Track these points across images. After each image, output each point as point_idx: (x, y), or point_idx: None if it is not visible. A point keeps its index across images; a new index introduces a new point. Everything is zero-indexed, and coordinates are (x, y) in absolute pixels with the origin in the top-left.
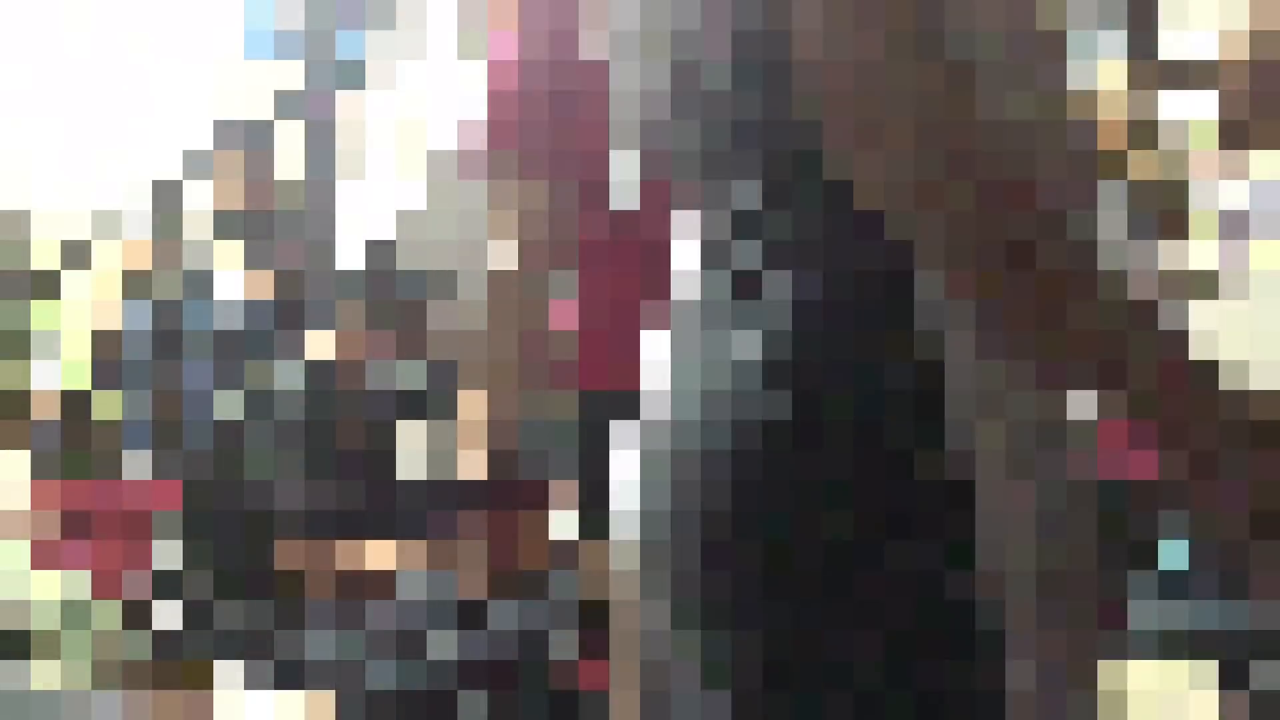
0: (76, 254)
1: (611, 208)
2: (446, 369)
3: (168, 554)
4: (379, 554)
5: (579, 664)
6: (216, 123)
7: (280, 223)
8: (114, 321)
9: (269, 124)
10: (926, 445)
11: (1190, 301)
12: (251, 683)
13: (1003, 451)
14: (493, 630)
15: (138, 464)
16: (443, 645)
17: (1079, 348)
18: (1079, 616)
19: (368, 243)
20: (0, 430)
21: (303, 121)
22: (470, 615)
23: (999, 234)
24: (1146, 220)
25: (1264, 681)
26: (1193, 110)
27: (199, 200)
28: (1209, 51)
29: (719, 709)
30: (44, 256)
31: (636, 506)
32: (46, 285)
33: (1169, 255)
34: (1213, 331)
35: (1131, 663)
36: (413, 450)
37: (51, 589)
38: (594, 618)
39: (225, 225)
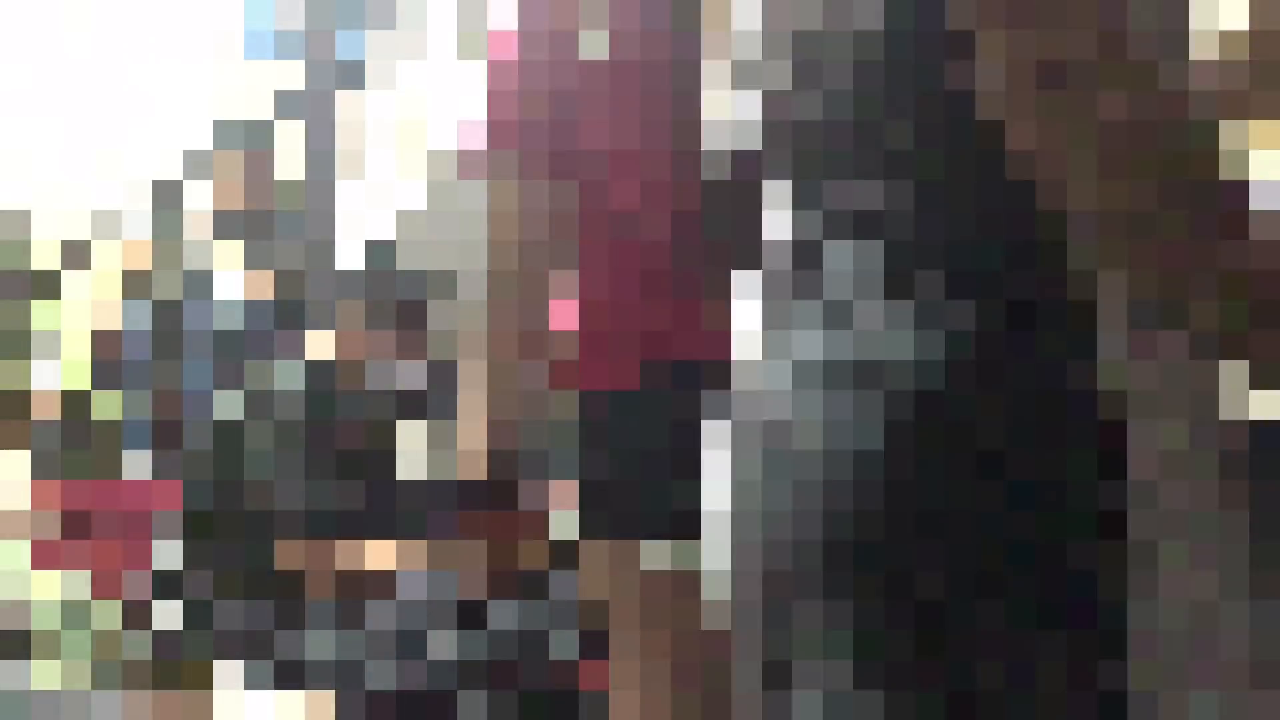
0: (76, 254)
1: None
2: (446, 369)
3: (168, 554)
4: (379, 554)
5: (579, 664)
6: (216, 123)
7: (280, 223)
8: (114, 321)
9: (269, 124)
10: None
11: None
12: (251, 683)
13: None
14: (493, 630)
15: (138, 464)
16: (443, 645)
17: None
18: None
19: (368, 243)
20: (0, 430)
21: (303, 121)
22: (470, 615)
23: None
24: None
25: None
26: None
27: (199, 200)
28: None
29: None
30: (44, 256)
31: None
32: (46, 285)
33: None
34: None
35: None
36: (413, 450)
37: (51, 589)
38: (594, 618)
39: (225, 225)
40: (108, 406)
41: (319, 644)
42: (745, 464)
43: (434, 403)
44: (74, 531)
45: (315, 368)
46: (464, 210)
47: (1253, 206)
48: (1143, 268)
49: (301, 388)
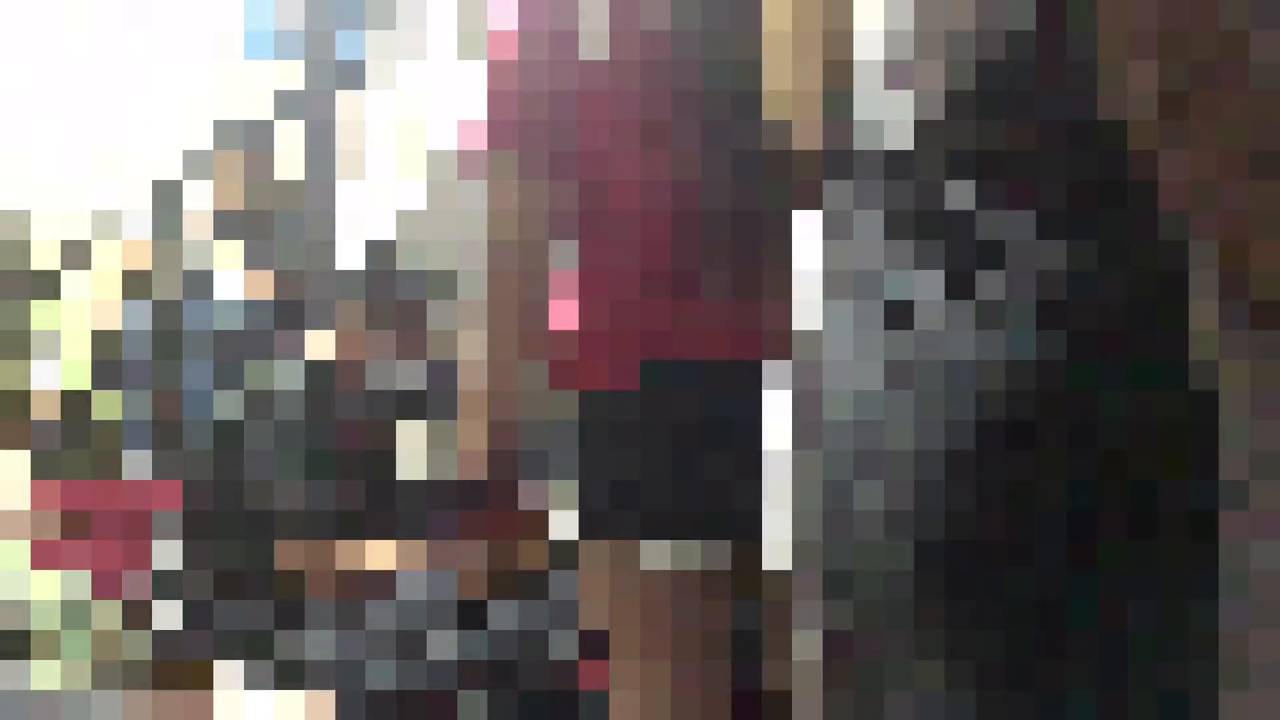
0: (76, 254)
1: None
2: (446, 369)
3: (168, 554)
4: (379, 554)
5: (579, 664)
6: (216, 123)
7: (280, 223)
8: (114, 321)
9: (269, 124)
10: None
11: None
12: (251, 683)
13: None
14: (493, 630)
15: (138, 464)
16: (443, 645)
17: None
18: None
19: (368, 243)
20: (0, 430)
21: (303, 121)
22: (470, 615)
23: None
24: None
25: None
26: None
27: (199, 200)
28: None
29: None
30: (44, 256)
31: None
32: (46, 285)
33: None
34: None
35: None
36: (413, 450)
37: (51, 589)
38: (594, 618)
39: (225, 225)
40: (108, 406)
41: (319, 644)
42: (807, 464)
43: (434, 403)
44: (74, 531)
45: (315, 368)
46: (464, 210)
47: None
48: (1233, 263)
49: (301, 388)
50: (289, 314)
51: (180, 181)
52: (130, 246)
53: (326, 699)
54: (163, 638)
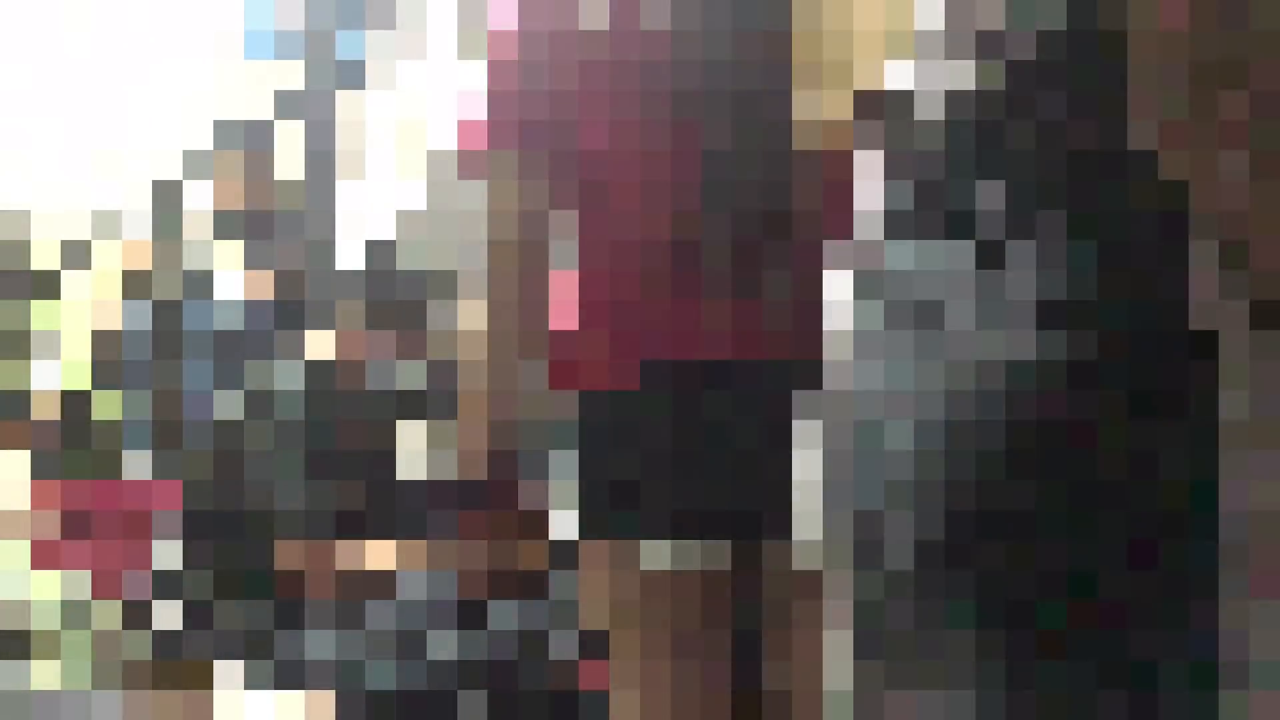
0: (76, 254)
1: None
2: (446, 369)
3: (168, 554)
4: (379, 554)
5: (579, 664)
6: (216, 123)
7: (280, 223)
8: (114, 321)
9: (269, 124)
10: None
11: None
12: (251, 683)
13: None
14: (493, 630)
15: (138, 464)
16: (443, 645)
17: None
18: None
19: (368, 243)
20: (0, 430)
21: (303, 121)
22: (470, 615)
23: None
24: None
25: None
26: None
27: (199, 200)
28: None
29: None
30: (44, 256)
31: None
32: (46, 285)
33: None
34: None
35: None
36: (413, 450)
37: (51, 589)
38: (594, 618)
39: (225, 225)
40: (108, 406)
41: (319, 644)
42: (837, 463)
43: (434, 403)
44: (74, 531)
45: (315, 368)
46: (464, 210)
47: None
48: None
49: (301, 388)
50: (289, 314)
51: (180, 181)
52: (130, 246)
53: (326, 699)
54: (163, 638)
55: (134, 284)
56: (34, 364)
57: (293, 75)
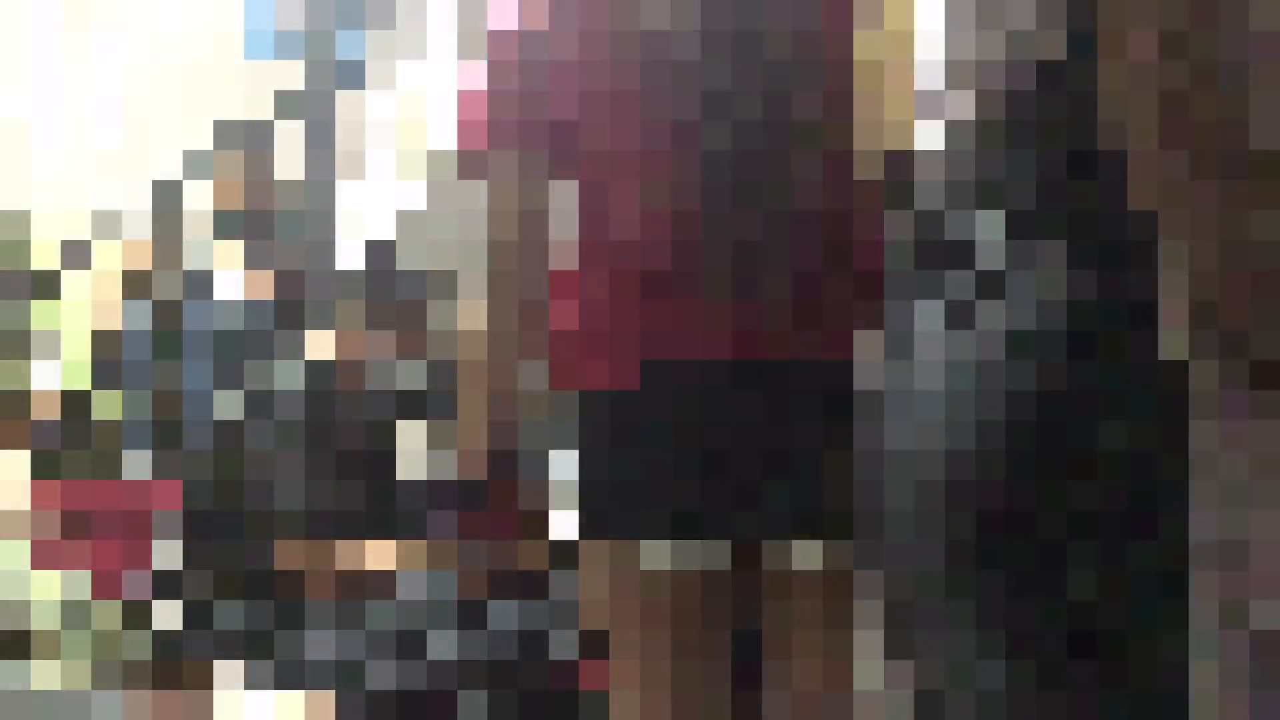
0: (76, 254)
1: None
2: (446, 369)
3: (168, 554)
4: (379, 554)
5: (579, 664)
6: (216, 123)
7: (280, 223)
8: (114, 321)
9: (269, 124)
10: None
11: None
12: (251, 683)
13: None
14: (493, 630)
15: (138, 464)
16: (443, 645)
17: None
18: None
19: (368, 243)
20: (0, 430)
21: (303, 121)
22: (470, 615)
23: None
24: None
25: None
26: None
27: (199, 200)
28: None
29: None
30: (44, 256)
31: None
32: (46, 285)
33: None
34: None
35: None
36: (413, 450)
37: (51, 589)
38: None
39: (225, 225)
40: (108, 406)
41: (319, 644)
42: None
43: (434, 403)
44: (74, 531)
45: (315, 368)
46: (464, 210)
47: None
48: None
49: (301, 388)
50: (289, 314)
51: (180, 181)
52: (130, 246)
53: (326, 699)
54: (163, 638)
55: (134, 284)
56: (34, 364)
57: (293, 75)
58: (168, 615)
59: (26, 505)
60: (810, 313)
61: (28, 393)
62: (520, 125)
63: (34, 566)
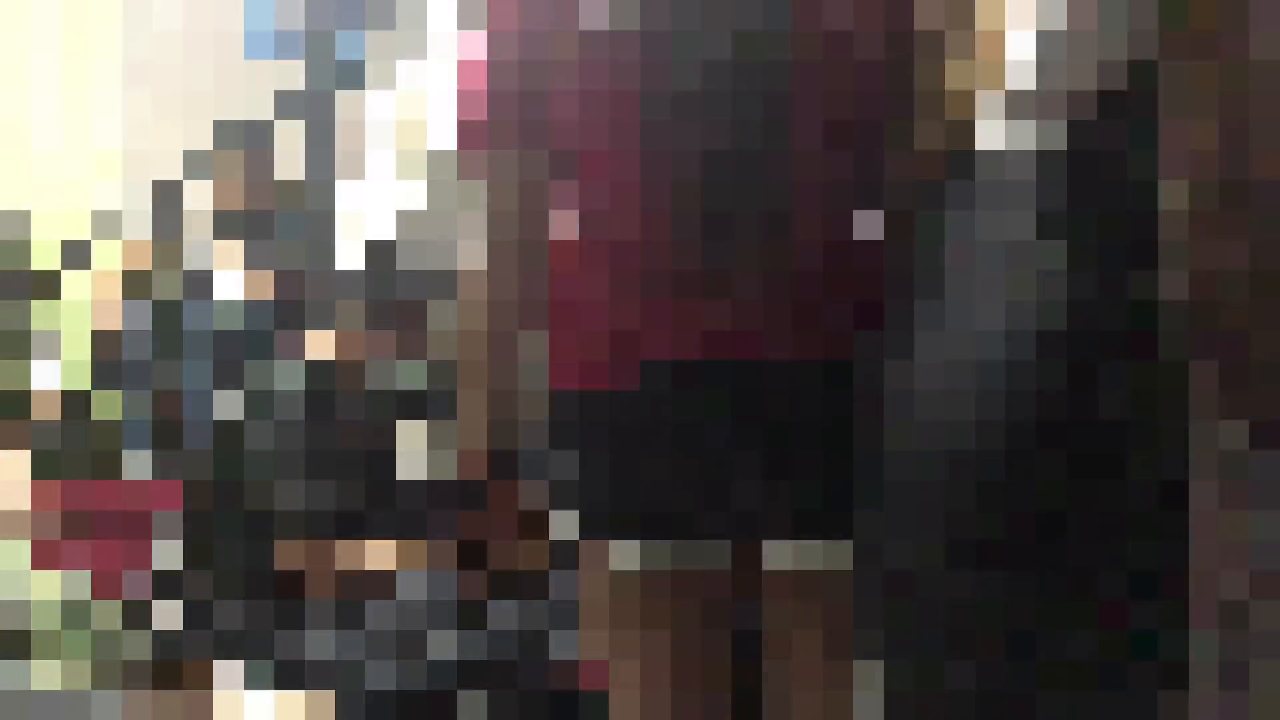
0: (76, 254)
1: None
2: (446, 369)
3: (168, 554)
4: (379, 554)
5: (579, 664)
6: (216, 123)
7: (280, 223)
8: (114, 321)
9: (269, 124)
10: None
11: None
12: (251, 683)
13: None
14: (493, 630)
15: (138, 464)
16: (443, 645)
17: None
18: None
19: (368, 243)
20: (0, 430)
21: (303, 121)
22: (470, 615)
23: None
24: None
25: None
26: None
27: (199, 200)
28: None
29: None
30: (44, 256)
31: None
32: (46, 285)
33: None
34: None
35: None
36: (413, 450)
37: (51, 589)
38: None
39: (225, 225)
40: (108, 406)
41: (319, 644)
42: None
43: (434, 403)
44: (74, 531)
45: (315, 368)
46: (464, 210)
47: None
48: None
49: (301, 388)
50: (289, 314)
51: (180, 181)
52: (130, 246)
53: (326, 699)
54: (163, 638)
55: (134, 284)
56: (34, 364)
57: (293, 75)
58: (168, 615)
59: (26, 505)
60: (810, 313)
61: (28, 393)
62: (520, 125)
63: (34, 566)
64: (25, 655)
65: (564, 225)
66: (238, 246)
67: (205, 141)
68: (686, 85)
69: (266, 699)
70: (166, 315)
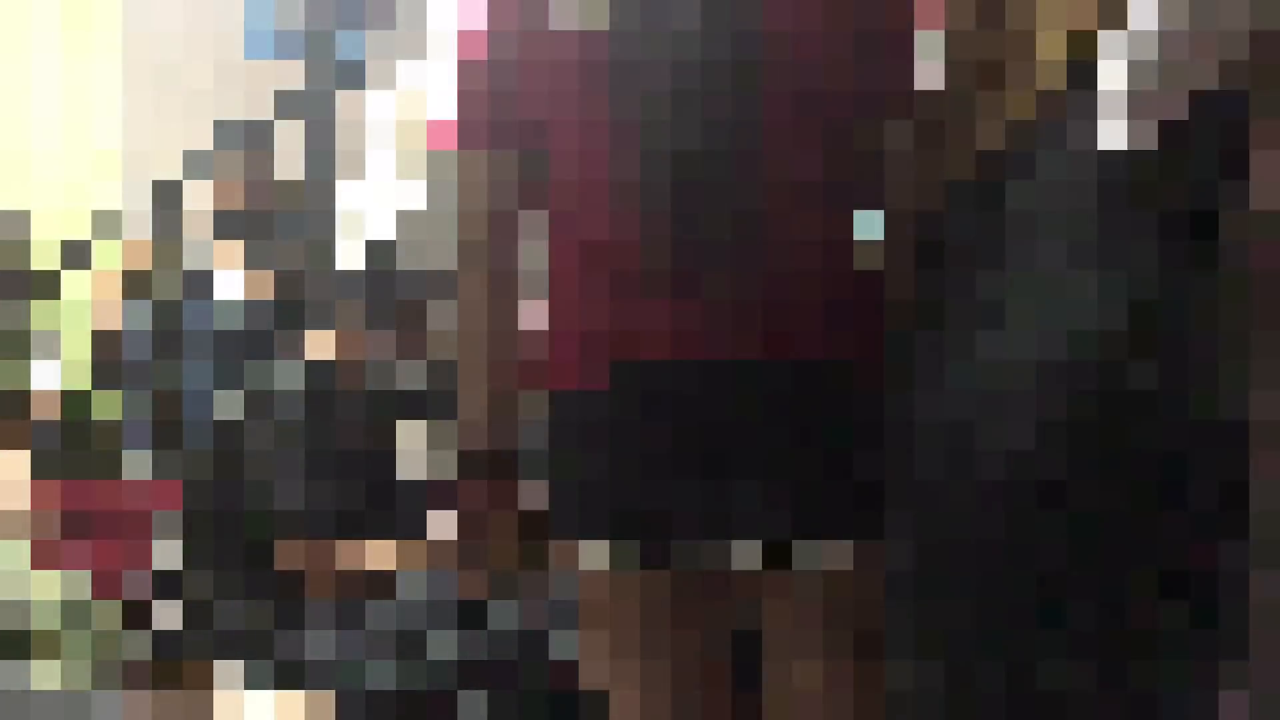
0: (76, 254)
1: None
2: (446, 369)
3: (168, 554)
4: (379, 554)
5: (579, 664)
6: (216, 123)
7: (280, 223)
8: (114, 321)
9: (269, 124)
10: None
11: None
12: (251, 683)
13: None
14: (493, 630)
15: (138, 464)
16: (443, 645)
17: None
18: None
19: (368, 243)
20: (0, 430)
21: (303, 121)
22: (470, 615)
23: None
24: None
25: None
26: None
27: (199, 200)
28: None
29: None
30: (44, 256)
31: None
32: (46, 285)
33: None
34: None
35: None
36: (413, 450)
37: (51, 589)
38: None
39: (225, 225)
40: (108, 406)
41: (319, 644)
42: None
43: (434, 403)
44: (74, 531)
45: (315, 368)
46: (464, 210)
47: None
48: None
49: (301, 388)
50: (289, 314)
51: (180, 181)
52: (130, 246)
53: (326, 699)
54: (163, 638)
55: (134, 284)
56: (34, 364)
57: (293, 75)
58: (168, 615)
59: (26, 505)
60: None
61: (28, 393)
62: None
63: (34, 566)
64: (25, 655)
65: (535, 227)
66: (238, 246)
67: (205, 141)
68: (658, 85)
69: (266, 699)
70: (166, 315)
